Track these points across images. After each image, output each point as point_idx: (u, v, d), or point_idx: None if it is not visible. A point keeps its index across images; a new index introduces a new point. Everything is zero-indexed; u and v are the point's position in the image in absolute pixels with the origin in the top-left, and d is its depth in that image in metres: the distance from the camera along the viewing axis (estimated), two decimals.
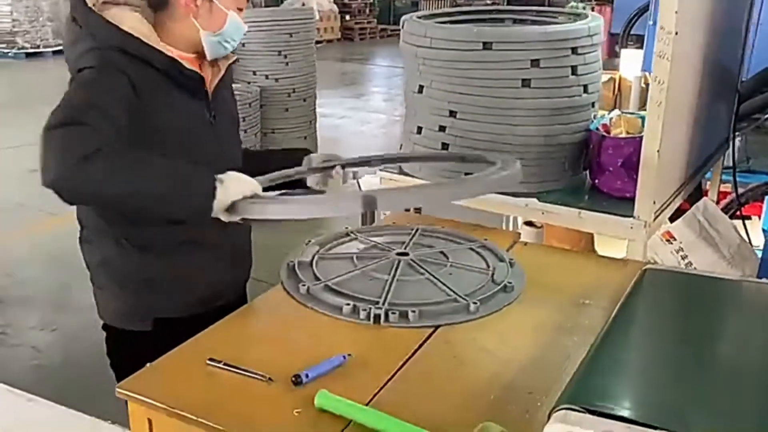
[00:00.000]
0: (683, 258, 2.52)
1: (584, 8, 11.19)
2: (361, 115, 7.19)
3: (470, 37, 1.92)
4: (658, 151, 1.72)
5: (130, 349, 1.52)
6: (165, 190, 1.31)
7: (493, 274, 1.62)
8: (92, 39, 1.44)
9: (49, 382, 0.89)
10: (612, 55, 6.70)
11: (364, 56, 12.25)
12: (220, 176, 1.33)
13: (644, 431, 0.94)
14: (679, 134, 1.95)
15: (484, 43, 1.89)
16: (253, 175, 1.42)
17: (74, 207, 1.55)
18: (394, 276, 1.60)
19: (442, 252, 1.75)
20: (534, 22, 2.22)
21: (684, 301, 1.43)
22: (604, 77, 4.25)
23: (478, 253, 1.77)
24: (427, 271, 1.63)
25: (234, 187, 1.33)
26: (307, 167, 1.72)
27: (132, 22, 1.46)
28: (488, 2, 17.83)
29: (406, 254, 1.71)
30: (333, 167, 1.74)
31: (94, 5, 1.47)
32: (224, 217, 1.34)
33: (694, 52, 1.92)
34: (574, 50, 1.92)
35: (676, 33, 1.63)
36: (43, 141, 1.30)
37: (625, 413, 0.97)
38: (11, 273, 3.74)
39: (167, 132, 1.47)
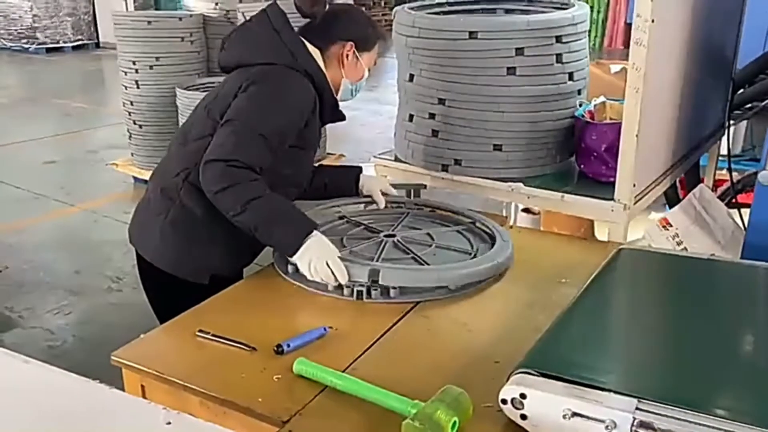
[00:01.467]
0: (679, 244, 2.56)
1: None
2: (372, 107, 7.24)
3: (456, 26, 1.99)
4: (636, 135, 1.77)
5: (176, 295, 1.65)
6: (267, 237, 1.59)
7: (474, 255, 1.69)
8: (291, 57, 1.69)
9: (59, 362, 0.96)
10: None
11: None
12: (309, 239, 1.55)
13: (588, 391, 1.01)
14: (661, 120, 2.00)
15: (470, 33, 1.96)
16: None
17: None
18: (379, 256, 1.68)
19: (428, 234, 1.82)
20: (523, 12, 2.27)
21: (650, 277, 1.49)
22: (617, 67, 4.26)
23: (463, 235, 1.84)
24: (411, 251, 1.70)
25: (314, 252, 1.54)
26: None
27: (318, 57, 1.75)
28: None
29: (393, 236, 1.79)
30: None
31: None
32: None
33: (676, 39, 1.96)
34: (558, 39, 1.97)
35: (653, 21, 1.68)
36: (227, 135, 1.59)
37: (574, 377, 1.04)
38: (29, 259, 3.88)
39: (299, 151, 1.74)
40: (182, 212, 1.66)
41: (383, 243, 1.75)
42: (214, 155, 1.55)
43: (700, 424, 0.93)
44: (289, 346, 1.33)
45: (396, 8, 2.21)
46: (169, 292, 1.72)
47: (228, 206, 1.55)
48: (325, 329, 1.39)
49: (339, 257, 1.55)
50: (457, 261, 1.65)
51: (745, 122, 4.46)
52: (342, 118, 1.85)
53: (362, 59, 1.80)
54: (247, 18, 1.80)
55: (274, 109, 1.63)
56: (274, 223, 1.56)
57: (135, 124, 4.92)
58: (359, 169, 1.99)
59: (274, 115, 1.62)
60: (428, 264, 1.63)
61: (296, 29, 1.76)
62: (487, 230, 1.80)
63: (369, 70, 1.85)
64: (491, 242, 1.75)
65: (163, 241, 1.69)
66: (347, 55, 1.78)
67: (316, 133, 1.80)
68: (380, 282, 1.52)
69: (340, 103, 1.84)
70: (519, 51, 1.95)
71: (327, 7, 1.79)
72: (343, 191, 1.99)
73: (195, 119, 1.75)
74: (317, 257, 1.53)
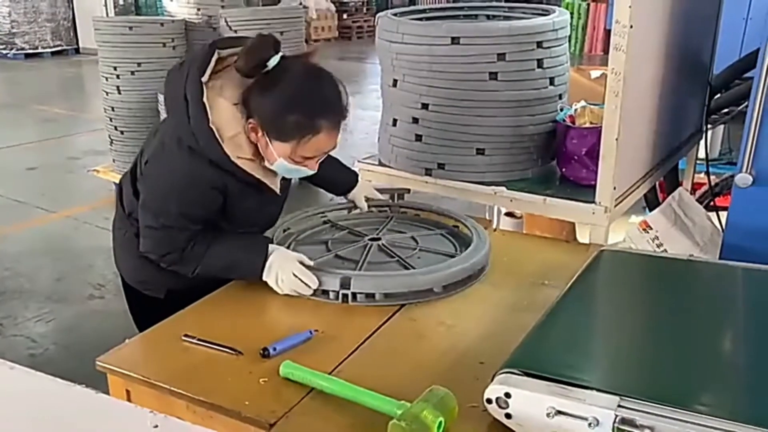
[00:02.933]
0: (659, 246, 2.60)
1: (580, 5, 11.12)
2: (355, 112, 7.25)
3: (439, 32, 2.00)
4: (616, 139, 1.80)
5: (146, 306, 1.76)
6: (233, 276, 1.63)
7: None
8: (193, 138, 1.48)
9: (41, 370, 0.95)
10: (608, 51, 6.76)
11: (361, 54, 12.31)
12: (269, 257, 1.56)
13: (571, 390, 1.03)
14: (641, 124, 2.03)
15: (453, 38, 1.98)
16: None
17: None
18: (364, 259, 1.69)
19: (412, 237, 1.83)
20: (505, 18, 2.30)
21: (631, 278, 1.52)
22: (597, 72, 4.31)
23: (447, 238, 1.86)
24: (396, 254, 1.72)
25: (278, 267, 1.56)
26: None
27: (230, 124, 1.49)
28: None
29: (378, 239, 1.80)
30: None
31: (218, 72, 1.52)
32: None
33: (654, 44, 2.00)
34: (539, 44, 2.00)
35: (631, 26, 1.71)
36: (144, 232, 1.60)
37: (557, 376, 1.05)
38: (9, 267, 3.83)
39: (242, 215, 1.64)
40: (135, 234, 1.66)
41: (368, 247, 1.76)
42: (144, 248, 1.61)
43: (680, 420, 0.95)
44: (275, 349, 1.33)
45: (379, 14, 2.23)
46: (141, 303, 1.78)
47: (181, 271, 1.61)
48: (311, 332, 1.40)
49: (303, 263, 1.56)
50: (439, 263, 1.66)
51: (722, 126, 4.54)
52: (272, 193, 1.63)
53: (272, 146, 1.50)
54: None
55: (169, 200, 1.53)
56: (230, 267, 1.61)
57: (116, 130, 4.88)
58: (356, 177, 1.97)
59: (172, 205, 1.53)
60: (413, 267, 1.64)
61: (232, 79, 1.51)
62: (469, 232, 1.81)
63: (297, 162, 1.52)
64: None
65: (123, 254, 1.78)
66: (255, 132, 1.50)
67: (253, 201, 1.61)
68: (351, 290, 1.53)
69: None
70: (501, 56, 1.97)
71: (277, 62, 1.46)
72: (333, 188, 1.97)
73: (148, 143, 1.69)
74: (282, 270, 1.55)
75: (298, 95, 1.48)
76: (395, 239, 1.82)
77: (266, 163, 1.57)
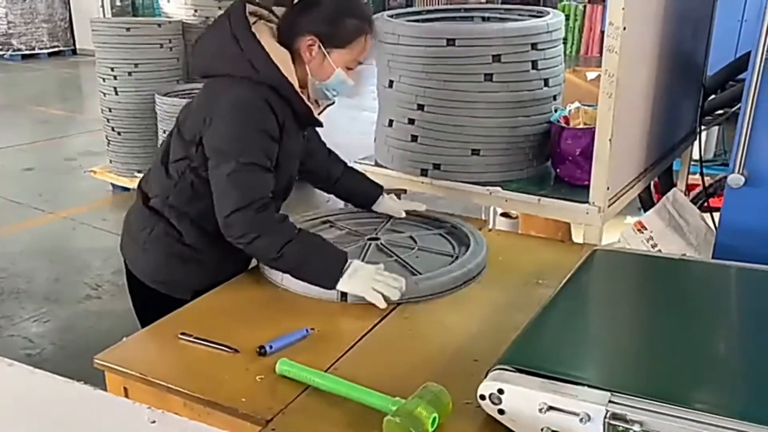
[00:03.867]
0: (653, 246, 2.62)
1: (576, 7, 11.16)
2: (351, 112, 7.28)
3: (435, 34, 2.02)
4: (610, 140, 1.82)
5: (163, 310, 1.61)
6: (303, 277, 1.57)
7: (456, 257, 1.72)
8: (251, 68, 1.54)
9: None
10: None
11: None
12: (349, 268, 1.53)
13: (563, 386, 1.04)
14: (634, 125, 2.05)
15: (448, 40, 2.00)
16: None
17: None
18: (363, 258, 1.70)
19: (411, 237, 1.85)
20: (500, 20, 2.32)
21: (624, 276, 1.54)
22: (594, 74, 4.34)
23: (445, 237, 1.87)
24: (394, 254, 1.73)
25: (359, 282, 1.52)
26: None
27: (281, 56, 1.57)
28: (482, 0, 17.98)
29: (377, 239, 1.81)
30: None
31: (253, 23, 1.59)
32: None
33: (648, 46, 2.02)
34: (533, 46, 2.02)
35: (624, 28, 1.73)
36: (227, 182, 1.53)
37: (550, 372, 1.07)
38: (6, 267, 3.84)
39: (283, 159, 1.63)
40: (165, 229, 1.65)
41: (367, 246, 1.77)
42: (228, 209, 1.52)
43: (669, 415, 0.96)
44: (271, 347, 1.35)
45: (375, 15, 2.24)
46: (152, 303, 1.71)
47: (262, 254, 1.58)
48: (307, 330, 1.41)
49: (381, 271, 1.54)
50: (439, 264, 1.68)
51: (716, 128, 4.57)
52: (317, 124, 1.72)
53: (331, 56, 1.61)
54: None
55: (251, 136, 1.54)
56: (307, 265, 1.55)
57: (113, 130, 4.90)
58: (382, 189, 1.98)
59: (251, 139, 1.54)
60: (412, 267, 1.65)
61: (266, 26, 1.62)
62: (466, 234, 1.83)
63: (350, 69, 1.64)
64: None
65: (146, 255, 1.70)
66: (310, 52, 1.60)
67: (294, 144, 1.68)
68: (349, 298, 1.54)
69: (326, 104, 1.73)
70: (496, 58, 1.99)
71: None
72: (360, 202, 1.99)
73: (174, 136, 1.69)
74: (361, 290, 1.52)
75: (347, 2, 1.63)
76: (394, 239, 1.83)
77: (317, 85, 1.64)
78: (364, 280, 1.52)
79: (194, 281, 1.66)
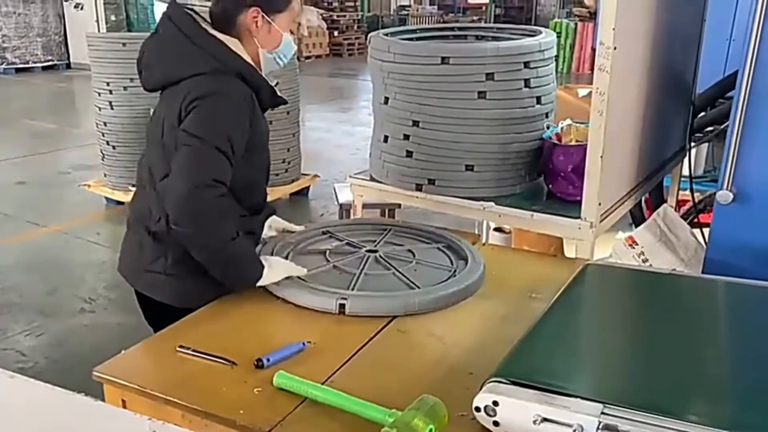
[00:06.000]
0: (644, 261, 2.65)
1: (568, 24, 11.34)
2: (345, 128, 7.33)
3: (430, 52, 2.06)
4: (601, 156, 1.85)
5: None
6: (227, 274, 1.62)
7: (454, 272, 1.74)
8: (214, 60, 1.58)
9: None
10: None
11: (352, 71, 12.41)
12: (265, 262, 1.61)
13: (557, 398, 1.06)
14: (625, 142, 2.09)
15: (443, 58, 2.03)
16: None
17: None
18: (361, 270, 1.72)
19: (409, 250, 1.87)
20: (493, 39, 2.36)
21: (616, 290, 1.56)
22: (585, 91, 4.39)
23: (443, 251, 1.89)
24: (393, 266, 1.75)
25: (278, 272, 1.62)
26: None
27: (233, 43, 1.63)
28: (474, 18, 18.19)
29: (376, 251, 1.83)
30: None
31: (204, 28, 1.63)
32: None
33: (638, 65, 2.07)
34: (526, 64, 2.06)
35: (615, 48, 1.77)
36: (188, 157, 1.54)
37: (543, 384, 1.09)
38: (1, 281, 3.83)
39: (257, 141, 1.67)
40: (182, 251, 1.63)
41: (365, 258, 1.79)
42: (184, 185, 1.51)
43: (660, 426, 0.98)
44: (269, 360, 1.36)
45: (371, 34, 2.28)
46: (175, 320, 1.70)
47: (207, 236, 1.56)
48: (304, 344, 1.43)
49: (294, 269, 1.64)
50: (437, 278, 1.69)
51: (706, 145, 4.62)
52: (282, 102, 1.73)
53: (275, 22, 1.66)
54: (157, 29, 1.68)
55: (218, 119, 1.56)
56: (236, 261, 1.61)
57: (108, 144, 4.91)
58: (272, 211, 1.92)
59: (221, 125, 1.56)
60: (410, 280, 1.67)
61: (203, 20, 1.65)
62: (463, 248, 1.84)
63: (292, 32, 1.70)
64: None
65: (171, 280, 1.68)
66: (256, 23, 1.64)
67: (263, 125, 1.72)
68: (347, 312, 1.56)
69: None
70: (489, 76, 2.03)
71: None
72: None
73: (154, 153, 1.67)
74: (275, 263, 1.64)
75: None
76: (392, 251, 1.85)
77: (267, 56, 1.69)
78: (276, 271, 1.61)
79: (220, 290, 1.66)
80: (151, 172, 1.68)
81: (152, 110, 4.55)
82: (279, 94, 1.72)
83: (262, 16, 1.64)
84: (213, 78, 1.57)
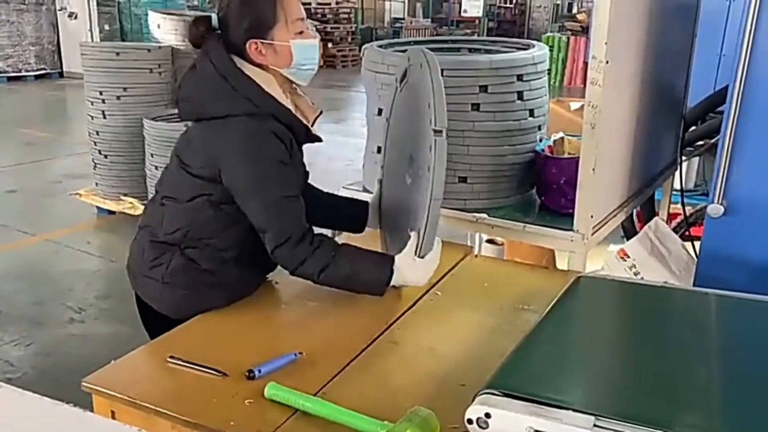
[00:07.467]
0: (636, 274, 2.66)
1: (560, 39, 11.43)
2: (339, 139, 7.33)
3: None
4: (593, 169, 1.86)
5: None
6: (351, 282, 1.63)
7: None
8: (249, 103, 1.56)
9: None
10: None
11: (346, 83, 12.45)
12: (396, 263, 1.60)
13: (549, 410, 1.06)
14: (617, 155, 2.10)
15: None
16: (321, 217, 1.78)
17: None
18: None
19: None
20: (487, 52, 2.38)
21: (608, 303, 1.56)
22: (577, 104, 4.41)
23: None
24: None
25: (410, 275, 1.63)
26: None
27: (265, 79, 1.61)
28: (468, 31, 18.31)
29: None
30: None
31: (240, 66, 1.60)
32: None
33: (630, 79, 2.08)
34: (519, 77, 2.07)
35: (607, 62, 1.79)
36: (263, 218, 1.59)
37: (536, 396, 1.09)
38: None
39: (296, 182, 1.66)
40: (182, 260, 1.64)
41: None
42: (273, 243, 1.57)
43: None
44: (260, 371, 1.35)
45: (365, 45, 2.29)
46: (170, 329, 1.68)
47: (309, 278, 1.61)
48: (295, 355, 1.42)
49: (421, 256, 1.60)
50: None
51: (697, 159, 4.66)
52: (317, 139, 1.72)
53: (276, 39, 1.59)
54: (194, 61, 1.67)
55: (271, 168, 1.57)
56: (353, 281, 1.62)
57: (101, 154, 4.90)
58: (366, 204, 1.95)
59: (272, 173, 1.57)
60: None
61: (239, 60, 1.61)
62: None
63: (300, 33, 1.62)
64: None
65: (168, 289, 1.66)
66: (261, 52, 1.60)
67: (299, 165, 1.72)
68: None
69: (315, 116, 1.75)
70: (483, 88, 2.04)
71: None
72: (351, 224, 1.96)
73: (178, 177, 1.66)
74: (411, 276, 1.62)
75: None
76: None
77: (292, 71, 1.64)
78: (413, 271, 1.61)
79: (212, 305, 1.65)
80: (174, 190, 1.67)
81: (145, 120, 4.51)
82: (314, 132, 1.71)
83: (260, 43, 1.60)
84: (249, 120, 1.57)
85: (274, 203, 1.57)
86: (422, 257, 1.61)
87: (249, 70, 1.61)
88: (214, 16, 1.64)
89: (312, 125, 1.73)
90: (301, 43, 1.62)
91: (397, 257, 1.61)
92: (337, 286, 1.63)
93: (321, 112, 1.78)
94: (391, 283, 1.61)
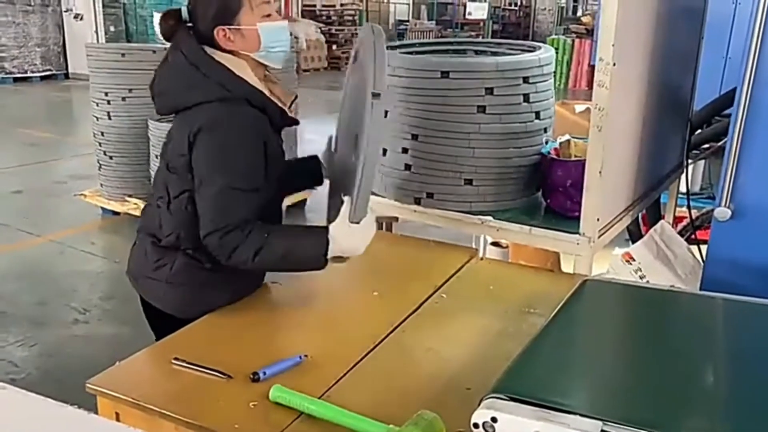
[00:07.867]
0: (642, 277, 2.65)
1: (565, 41, 11.42)
2: None
3: (430, 66, 2.07)
4: (599, 172, 1.85)
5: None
6: (288, 262, 1.58)
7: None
8: (221, 88, 1.57)
9: None
10: (592, 85, 6.89)
11: None
12: (330, 232, 1.55)
13: (556, 414, 1.05)
14: (623, 158, 2.09)
15: (443, 72, 2.04)
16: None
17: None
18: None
19: None
20: (492, 54, 2.37)
21: (614, 307, 1.55)
22: (582, 107, 4.40)
23: None
24: None
25: (346, 243, 1.56)
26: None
27: (236, 63, 1.61)
28: (472, 34, 18.30)
29: None
30: None
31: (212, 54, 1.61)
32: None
33: (636, 81, 2.07)
34: (525, 79, 2.06)
35: (614, 64, 1.78)
36: (207, 204, 1.56)
37: (542, 400, 1.08)
38: None
39: (269, 165, 1.63)
40: (185, 260, 1.64)
41: None
42: (206, 229, 1.55)
43: None
44: (265, 373, 1.35)
45: None
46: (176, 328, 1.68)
47: (241, 265, 1.56)
48: (300, 357, 1.42)
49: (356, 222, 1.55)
50: None
51: (703, 162, 4.64)
52: (293, 122, 1.72)
53: (242, 23, 1.61)
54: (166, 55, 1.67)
55: (233, 156, 1.56)
56: (291, 252, 1.57)
57: (105, 155, 4.90)
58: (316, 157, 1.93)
59: (237, 162, 1.56)
60: None
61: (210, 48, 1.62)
62: None
63: (268, 16, 1.62)
64: None
65: (173, 289, 1.67)
66: (229, 38, 1.62)
67: (276, 147, 1.69)
68: None
69: (291, 100, 1.74)
70: (489, 90, 2.03)
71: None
72: (311, 178, 1.93)
73: (165, 175, 1.68)
74: (348, 243, 1.56)
75: None
76: None
77: (262, 54, 1.65)
78: (349, 239, 1.55)
79: (217, 302, 1.66)
80: (164, 188, 1.67)
81: (149, 121, 4.53)
82: (290, 114, 1.71)
83: (228, 29, 1.61)
84: (221, 106, 1.57)
85: (222, 191, 1.54)
86: (357, 223, 1.55)
87: (220, 57, 1.62)
88: (184, 9, 1.65)
89: (289, 108, 1.72)
90: (268, 26, 1.64)
91: (331, 226, 1.56)
92: (274, 269, 1.60)
93: (296, 96, 1.77)
94: (329, 254, 1.55)
